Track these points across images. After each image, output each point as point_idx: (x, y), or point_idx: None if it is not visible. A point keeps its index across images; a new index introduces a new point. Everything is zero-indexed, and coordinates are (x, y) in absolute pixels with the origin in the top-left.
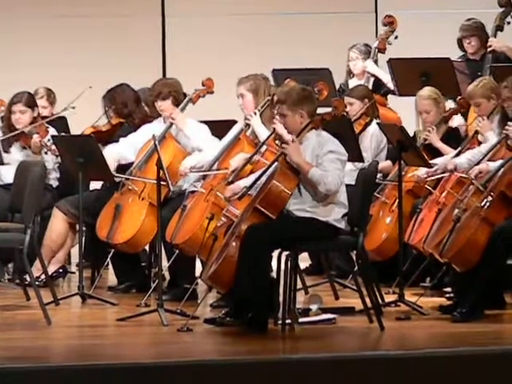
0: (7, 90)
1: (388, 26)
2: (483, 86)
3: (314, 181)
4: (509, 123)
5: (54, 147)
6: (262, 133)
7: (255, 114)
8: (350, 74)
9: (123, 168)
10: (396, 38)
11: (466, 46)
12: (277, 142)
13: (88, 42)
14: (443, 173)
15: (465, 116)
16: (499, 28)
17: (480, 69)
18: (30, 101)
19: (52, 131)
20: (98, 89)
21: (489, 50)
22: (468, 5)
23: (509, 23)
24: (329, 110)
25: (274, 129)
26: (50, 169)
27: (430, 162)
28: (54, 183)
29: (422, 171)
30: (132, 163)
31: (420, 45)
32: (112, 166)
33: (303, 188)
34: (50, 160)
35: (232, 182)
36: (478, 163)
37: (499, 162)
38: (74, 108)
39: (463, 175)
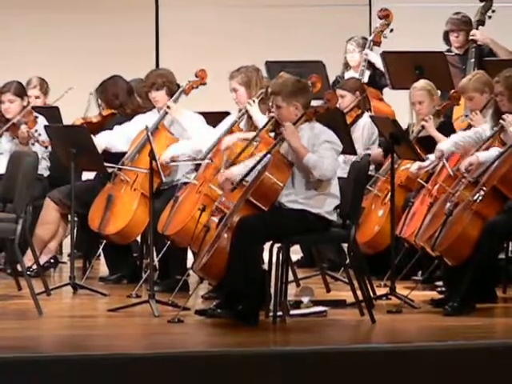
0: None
1: (384, 19)
2: (476, 79)
3: (310, 166)
4: (504, 116)
5: (42, 138)
6: (261, 119)
7: (254, 101)
8: (346, 66)
9: (115, 158)
10: (391, 31)
11: (453, 39)
12: (271, 134)
13: (82, 31)
14: (436, 165)
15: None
16: (480, 22)
17: (464, 63)
18: (19, 90)
19: (41, 121)
20: (89, 79)
21: (470, 38)
22: None
23: (490, 17)
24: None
25: (272, 117)
26: (40, 158)
27: (424, 156)
28: (45, 172)
29: (414, 166)
30: (124, 153)
31: (415, 38)
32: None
33: (296, 179)
34: (39, 149)
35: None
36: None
37: (489, 153)
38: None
39: (453, 169)
